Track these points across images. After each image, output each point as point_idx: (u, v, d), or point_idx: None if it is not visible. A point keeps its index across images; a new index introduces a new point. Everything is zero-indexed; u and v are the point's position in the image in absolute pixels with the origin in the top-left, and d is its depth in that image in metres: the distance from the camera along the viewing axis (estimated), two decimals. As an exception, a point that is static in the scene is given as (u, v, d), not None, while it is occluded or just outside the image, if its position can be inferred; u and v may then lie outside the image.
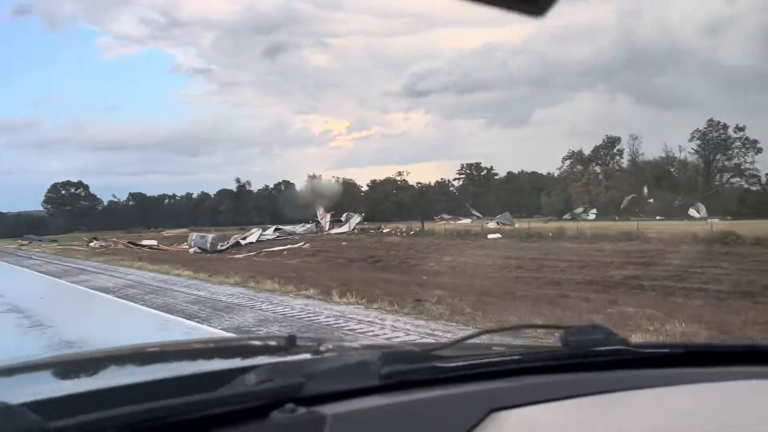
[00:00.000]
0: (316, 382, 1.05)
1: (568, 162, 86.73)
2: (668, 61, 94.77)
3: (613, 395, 1.17)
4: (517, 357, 1.34)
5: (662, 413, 1.12)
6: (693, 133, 78.67)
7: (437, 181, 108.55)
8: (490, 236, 35.62)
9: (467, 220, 67.33)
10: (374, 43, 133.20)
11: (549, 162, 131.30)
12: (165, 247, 41.71)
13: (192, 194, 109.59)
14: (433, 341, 6.99)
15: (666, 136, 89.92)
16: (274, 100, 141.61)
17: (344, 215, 49.81)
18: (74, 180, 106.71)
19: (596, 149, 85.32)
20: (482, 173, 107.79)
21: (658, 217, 63.86)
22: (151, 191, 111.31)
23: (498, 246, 30.83)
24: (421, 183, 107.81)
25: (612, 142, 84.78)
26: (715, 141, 77.99)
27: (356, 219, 48.61)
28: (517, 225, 50.15)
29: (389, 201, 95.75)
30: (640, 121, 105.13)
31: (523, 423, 1.05)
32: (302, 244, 38.34)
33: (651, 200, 74.71)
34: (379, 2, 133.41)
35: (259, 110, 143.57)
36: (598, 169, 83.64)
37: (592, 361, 1.28)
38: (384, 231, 45.53)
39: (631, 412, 1.15)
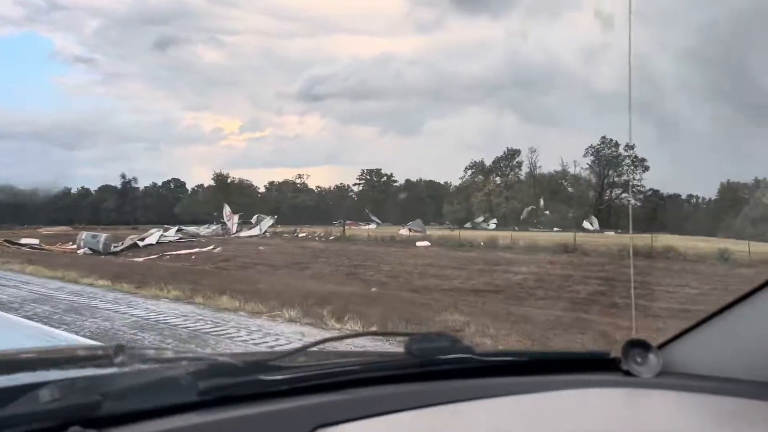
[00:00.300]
0: (116, 400, 0.93)
1: (470, 172, 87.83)
2: (550, 81, 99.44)
3: (455, 405, 1.14)
4: (354, 367, 1.21)
5: (504, 423, 1.11)
6: (587, 149, 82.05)
7: (336, 186, 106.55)
8: (418, 244, 34.04)
9: (371, 226, 65.79)
10: (270, 43, 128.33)
11: (445, 171, 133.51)
12: (48, 247, 36.44)
13: (71, 189, 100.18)
14: (270, 351, 6.05)
15: (557, 152, 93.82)
16: (163, 95, 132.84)
17: (255, 217, 46.22)
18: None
19: (497, 160, 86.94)
20: (382, 180, 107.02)
21: (555, 229, 65.59)
22: (23, 185, 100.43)
23: (433, 255, 29.22)
24: (320, 187, 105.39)
25: (512, 153, 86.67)
26: (607, 158, 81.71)
27: (268, 221, 45.05)
28: (429, 232, 49.42)
29: (288, 204, 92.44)
30: (526, 137, 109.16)
31: None
32: (212, 247, 34.80)
33: (547, 212, 77.13)
34: (276, 3, 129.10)
35: (146, 104, 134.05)
36: (498, 180, 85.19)
37: (435, 370, 1.21)
38: (300, 235, 42.64)
39: (473, 422, 1.12)
